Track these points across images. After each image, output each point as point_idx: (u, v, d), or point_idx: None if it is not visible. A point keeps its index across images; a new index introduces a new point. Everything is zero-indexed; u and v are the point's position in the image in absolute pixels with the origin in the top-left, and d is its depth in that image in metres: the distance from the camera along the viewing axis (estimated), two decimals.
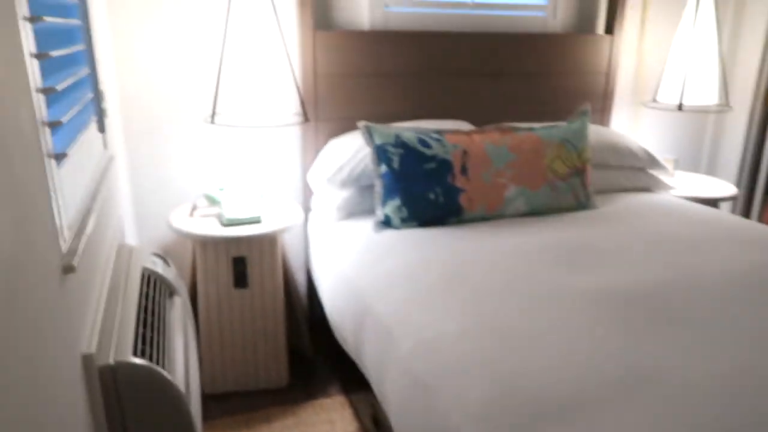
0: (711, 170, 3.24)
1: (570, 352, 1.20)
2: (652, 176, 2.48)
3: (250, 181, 2.30)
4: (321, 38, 2.20)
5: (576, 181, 2.13)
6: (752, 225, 2.02)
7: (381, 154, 1.97)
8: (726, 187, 2.68)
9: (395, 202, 1.93)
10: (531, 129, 2.16)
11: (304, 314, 2.37)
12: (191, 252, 2.11)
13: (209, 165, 2.25)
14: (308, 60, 2.20)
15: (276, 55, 1.93)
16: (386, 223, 1.94)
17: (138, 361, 1.03)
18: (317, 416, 1.97)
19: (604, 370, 1.14)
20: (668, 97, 2.61)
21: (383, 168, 1.96)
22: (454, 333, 1.30)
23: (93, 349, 0.98)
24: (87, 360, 0.95)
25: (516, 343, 1.24)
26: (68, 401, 0.83)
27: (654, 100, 2.71)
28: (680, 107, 2.53)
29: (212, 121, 1.99)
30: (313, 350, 2.37)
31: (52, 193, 0.83)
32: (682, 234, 1.88)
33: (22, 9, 0.78)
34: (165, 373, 1.06)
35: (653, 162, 2.46)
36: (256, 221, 1.96)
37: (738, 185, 3.18)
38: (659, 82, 2.67)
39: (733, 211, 3.24)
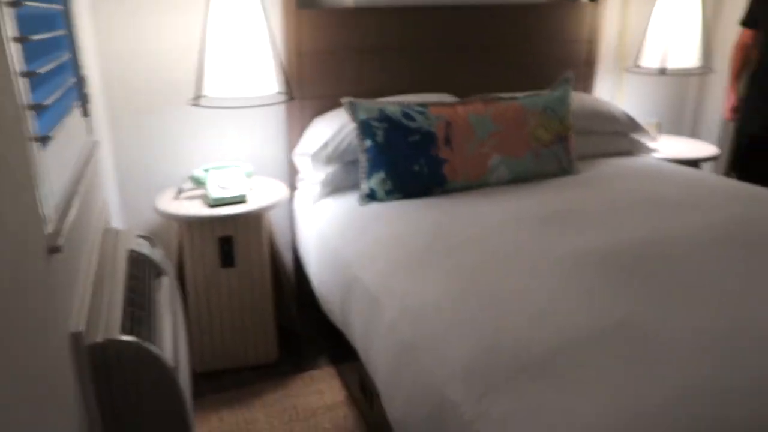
0: (694, 133, 3.27)
1: (551, 310, 1.23)
2: (634, 140, 2.51)
3: (235, 161, 2.31)
4: (305, 16, 2.19)
5: (559, 147, 2.15)
6: (733, 183, 2.06)
7: (365, 128, 1.98)
8: (707, 149, 2.71)
9: (380, 175, 1.95)
10: (514, 98, 2.18)
11: (292, 290, 2.39)
12: (178, 234, 2.12)
13: (195, 147, 2.25)
14: (292, 38, 2.20)
15: (260, 35, 1.92)
16: (371, 196, 1.96)
17: (127, 338, 1.05)
18: (306, 387, 2.01)
19: (586, 326, 1.17)
20: (651, 61, 2.62)
21: (368, 142, 1.97)
22: (438, 298, 1.33)
23: (81, 327, 1.00)
24: (76, 338, 0.97)
25: (498, 304, 1.27)
26: (57, 379, 0.85)
27: (636, 66, 2.72)
28: (663, 71, 2.55)
29: (197, 103, 1.99)
30: (301, 325, 2.40)
31: (36, 175, 0.84)
32: (663, 194, 1.91)
33: None
34: (154, 348, 1.09)
35: (635, 126, 2.48)
36: (241, 200, 1.97)
37: (720, 146, 3.21)
38: (641, 47, 2.68)
39: (716, 171, 3.27)
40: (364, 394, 1.76)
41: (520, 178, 2.11)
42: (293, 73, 2.23)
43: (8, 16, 0.83)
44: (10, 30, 0.84)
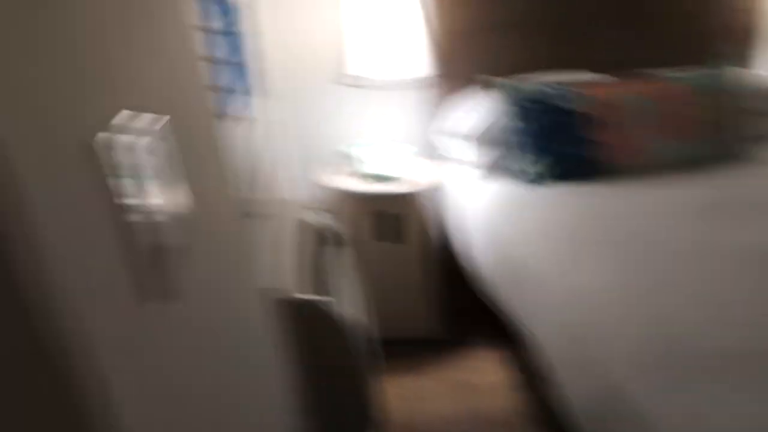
0: None
1: (729, 306, 1.15)
2: None
3: (384, 138, 2.37)
4: None
5: (728, 130, 1.96)
6: None
7: (520, 110, 1.95)
8: None
9: (538, 158, 1.92)
10: (677, 78, 2.02)
11: (454, 270, 2.43)
12: (337, 208, 2.23)
13: (344, 123, 2.35)
14: (437, 16, 2.19)
15: (411, 14, 1.97)
16: (530, 179, 1.93)
17: (307, 296, 1.15)
18: (467, 365, 2.05)
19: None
20: None
21: (523, 124, 1.95)
22: (607, 283, 1.30)
23: (270, 285, 1.11)
24: (265, 293, 1.09)
25: (669, 296, 1.21)
26: (258, 329, 0.97)
27: None
28: None
29: (344, 81, 2.06)
30: (464, 304, 2.42)
31: (233, 149, 0.96)
32: None
33: None
34: (331, 307, 1.18)
35: None
36: (395, 178, 2.04)
37: None
38: None
39: None
40: (526, 376, 1.77)
41: (685, 163, 1.95)
42: (439, 51, 2.21)
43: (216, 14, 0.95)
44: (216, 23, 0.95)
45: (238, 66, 1.31)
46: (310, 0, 2.18)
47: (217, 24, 1.09)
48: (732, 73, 2.02)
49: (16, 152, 0.30)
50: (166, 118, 0.53)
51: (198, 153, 0.70)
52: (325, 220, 1.61)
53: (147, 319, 0.47)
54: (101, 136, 0.41)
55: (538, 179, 1.92)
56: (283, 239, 1.41)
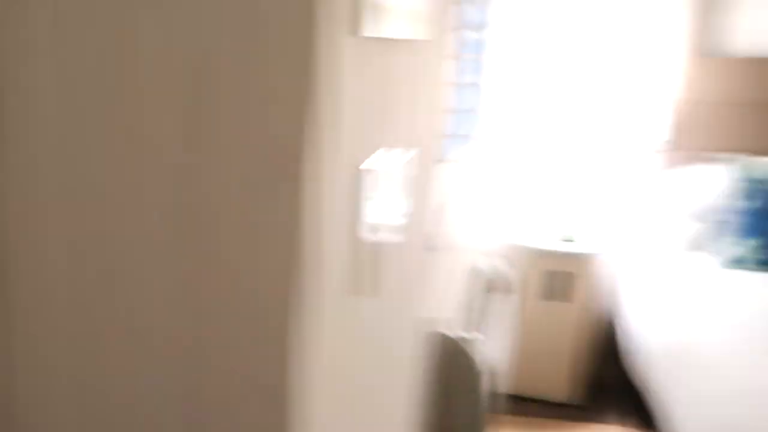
0: None
1: None
2: None
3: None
4: (696, 63, 2.08)
5: None
6: None
7: (748, 188, 1.80)
8: None
9: (753, 242, 1.75)
10: None
11: (609, 338, 2.31)
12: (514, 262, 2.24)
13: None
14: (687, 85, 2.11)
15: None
16: (738, 261, 1.77)
17: (460, 335, 1.19)
18: None
19: None
20: None
21: (746, 203, 1.79)
22: None
23: (429, 317, 1.17)
24: (423, 325, 1.15)
25: None
26: (412, 357, 1.02)
27: None
28: None
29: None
30: (611, 375, 2.30)
31: (431, 187, 1.04)
32: None
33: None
34: (478, 353, 1.20)
35: None
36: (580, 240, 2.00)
37: None
38: None
39: None
40: None
41: None
42: (680, 123, 2.13)
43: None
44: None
45: (468, 114, 1.40)
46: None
47: (464, 77, 1.19)
48: None
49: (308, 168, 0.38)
50: (413, 154, 0.61)
51: (417, 186, 0.78)
52: (499, 265, 1.63)
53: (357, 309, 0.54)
54: (366, 164, 0.50)
55: (747, 263, 1.75)
56: (454, 278, 1.46)
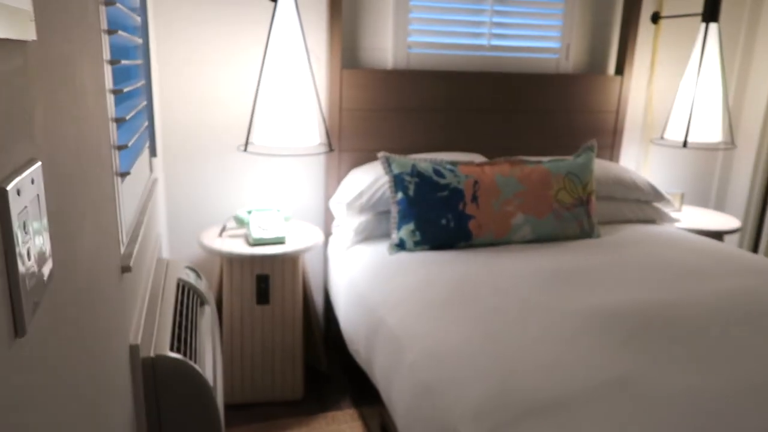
0: (719, 206, 3.34)
1: (559, 360, 1.32)
2: (656, 209, 2.60)
3: (276, 206, 2.47)
4: (347, 75, 2.39)
5: (580, 211, 2.26)
6: (751, 256, 2.13)
7: (398, 182, 2.12)
8: (730, 221, 2.78)
9: (409, 227, 2.08)
10: (539, 162, 2.31)
11: (321, 332, 2.50)
12: (219, 268, 2.27)
13: (239, 189, 2.43)
14: (335, 95, 2.39)
15: (305, 90, 2.11)
16: (400, 245, 2.09)
17: (174, 355, 1.18)
18: (328, 427, 2.09)
19: (590, 376, 1.26)
20: (675, 134, 2.74)
21: (399, 195, 2.12)
22: (457, 343, 1.43)
23: (138, 341, 1.13)
24: (134, 350, 1.10)
25: (511, 352, 1.36)
26: (120, 385, 0.98)
27: (662, 138, 2.84)
28: (685, 144, 2.66)
29: (245, 149, 2.17)
30: (327, 365, 2.50)
31: (117, 205, 1.00)
32: (679, 261, 1.99)
33: (106, 53, 0.96)
34: (197, 367, 1.21)
35: (658, 195, 2.57)
36: (280, 242, 2.12)
37: (745, 221, 3.27)
38: (667, 120, 2.80)
39: (741, 245, 3.32)
40: None
41: (542, 238, 2.21)
42: (334, 127, 2.41)
43: (108, 72, 1.01)
44: (108, 83, 1.01)
45: (136, 125, 1.35)
46: (220, 72, 2.27)
47: (121, 85, 1.15)
48: (590, 161, 2.33)
49: None
50: (38, 164, 0.55)
51: (80, 203, 0.74)
52: (195, 280, 1.64)
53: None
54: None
55: (408, 246, 2.08)
56: (159, 296, 1.42)
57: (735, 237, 3.32)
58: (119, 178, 1.03)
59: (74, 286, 0.69)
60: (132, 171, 1.23)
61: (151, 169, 1.73)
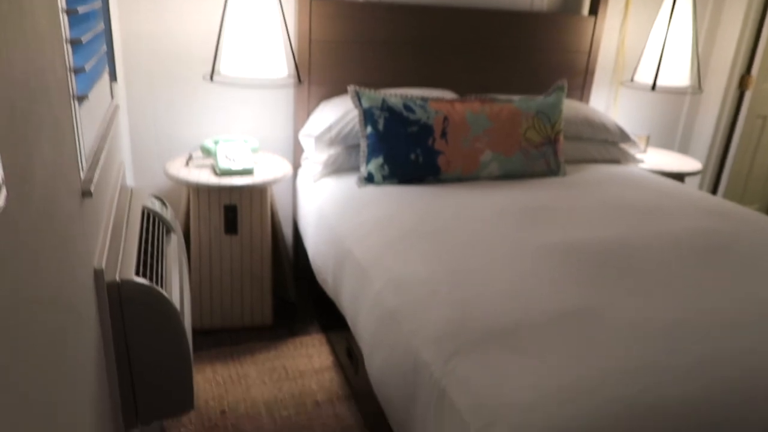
0: (683, 149, 3.41)
1: (519, 290, 1.38)
2: (622, 150, 2.65)
3: (244, 137, 2.44)
4: (317, 6, 2.32)
5: (548, 149, 2.29)
6: (710, 197, 2.20)
7: (368, 116, 2.11)
8: (692, 164, 2.85)
9: (378, 161, 2.09)
10: (509, 100, 2.31)
11: (289, 262, 2.54)
12: (185, 199, 2.26)
13: (206, 120, 2.39)
14: (304, 26, 2.32)
15: (274, 21, 2.05)
16: (369, 179, 2.10)
17: (140, 280, 1.19)
18: (297, 351, 2.16)
19: (549, 305, 1.32)
20: (645, 77, 2.76)
21: (369, 129, 2.11)
22: (420, 272, 1.47)
23: (103, 266, 1.14)
24: (98, 274, 1.11)
25: (473, 281, 1.41)
26: (84, 309, 0.99)
27: (632, 80, 2.86)
28: (654, 87, 2.68)
29: (211, 79, 2.12)
30: (296, 295, 2.55)
31: (75, 129, 0.98)
32: (641, 201, 2.05)
33: None
34: (164, 292, 1.23)
35: (625, 137, 2.62)
36: (248, 173, 2.11)
37: (707, 164, 3.35)
38: (638, 63, 2.81)
39: (701, 187, 3.42)
40: (350, 360, 1.91)
41: (509, 175, 2.25)
42: (303, 59, 2.36)
43: None
44: (62, 2, 0.97)
45: (93, 48, 1.31)
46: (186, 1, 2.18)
47: (78, 6, 1.10)
48: (560, 101, 2.35)
49: None
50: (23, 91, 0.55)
51: (34, 127, 0.73)
52: (160, 208, 1.64)
53: None
54: None
55: (376, 179, 2.09)
56: (124, 223, 1.42)
57: (696, 179, 3.42)
58: (76, 102, 1.01)
59: (32, 208, 0.69)
60: (90, 95, 1.20)
61: (112, 95, 1.68)
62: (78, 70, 1.02)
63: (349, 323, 1.68)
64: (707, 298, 1.42)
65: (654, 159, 2.87)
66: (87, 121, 1.17)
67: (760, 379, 1.13)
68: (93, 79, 1.25)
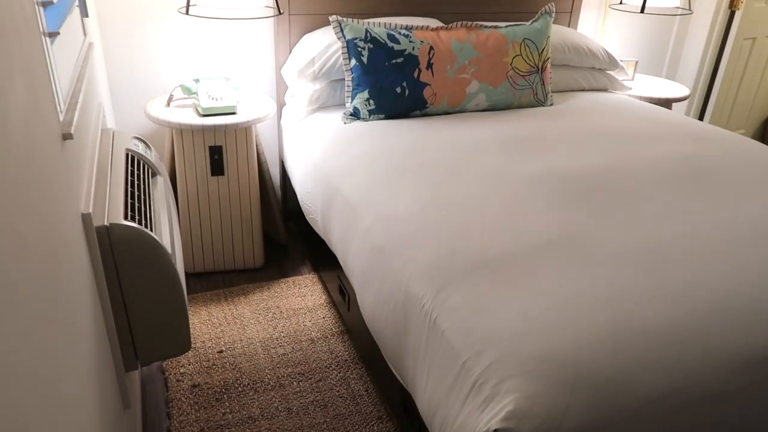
0: (671, 75, 3.37)
1: (508, 221, 1.38)
2: (610, 77, 2.61)
3: (225, 74, 2.37)
4: None
5: (535, 78, 2.25)
6: (696, 122, 2.19)
7: (351, 48, 2.05)
8: (679, 89, 2.82)
9: (364, 95, 2.04)
10: (496, 27, 2.25)
11: (278, 203, 2.52)
12: (169, 141, 2.21)
13: (185, 56, 2.30)
14: None
15: None
16: (354, 114, 2.06)
17: (129, 223, 1.17)
18: (290, 291, 2.18)
19: (535, 234, 1.32)
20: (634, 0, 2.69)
21: (353, 62, 2.05)
22: (409, 206, 1.47)
23: (90, 210, 1.12)
24: (86, 219, 1.09)
25: (461, 214, 1.42)
26: (74, 255, 0.98)
27: (621, 2, 2.78)
28: (643, 9, 2.62)
29: (187, 12, 2.03)
30: (286, 236, 2.55)
31: (50, 67, 0.94)
32: (627, 128, 2.04)
33: None
34: (154, 235, 1.21)
35: (613, 63, 2.57)
36: (231, 111, 2.06)
37: (694, 89, 3.33)
38: None
39: (688, 113, 3.41)
40: (342, 297, 1.93)
41: (496, 106, 2.21)
42: None
43: None
44: None
45: None
46: None
47: None
48: (547, 27, 2.29)
49: None
50: None
51: (4, 68, 0.69)
52: (144, 150, 1.60)
53: None
54: None
55: (362, 115, 2.05)
56: (108, 167, 1.39)
57: (683, 105, 3.40)
58: (48, 39, 0.96)
59: (11, 154, 0.67)
60: (62, 32, 1.14)
61: (85, 32, 1.61)
62: (46, 3, 0.97)
63: (340, 261, 1.69)
64: (690, 222, 1.43)
65: (641, 86, 2.84)
66: (61, 60, 1.12)
67: (741, 302, 1.15)
68: (63, 13, 1.19)
